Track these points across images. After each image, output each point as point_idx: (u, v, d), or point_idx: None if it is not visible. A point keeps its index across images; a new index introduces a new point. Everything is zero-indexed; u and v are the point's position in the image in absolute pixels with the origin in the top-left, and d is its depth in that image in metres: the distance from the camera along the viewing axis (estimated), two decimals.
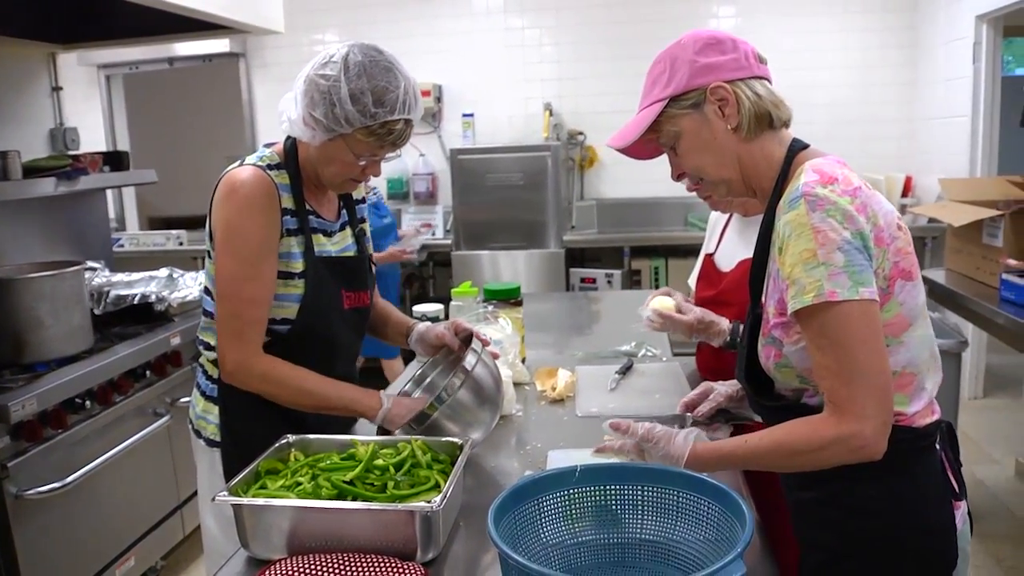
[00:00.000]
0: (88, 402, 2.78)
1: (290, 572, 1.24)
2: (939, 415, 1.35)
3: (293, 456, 1.54)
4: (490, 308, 2.33)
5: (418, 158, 5.72)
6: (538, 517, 1.22)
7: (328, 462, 1.46)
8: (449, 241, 5.29)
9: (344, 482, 1.37)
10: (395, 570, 1.24)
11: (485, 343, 1.83)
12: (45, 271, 2.89)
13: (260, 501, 1.33)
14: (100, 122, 5.94)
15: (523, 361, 2.37)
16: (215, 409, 1.84)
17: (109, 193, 4.01)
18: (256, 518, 1.34)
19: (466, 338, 1.88)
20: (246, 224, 1.69)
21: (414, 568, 1.25)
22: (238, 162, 1.76)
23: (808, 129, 1.80)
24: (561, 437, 1.86)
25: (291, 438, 1.58)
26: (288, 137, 1.78)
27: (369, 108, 1.61)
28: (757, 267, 1.44)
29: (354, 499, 1.34)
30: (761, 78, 1.40)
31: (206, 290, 1.84)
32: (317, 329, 1.80)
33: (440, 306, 2.41)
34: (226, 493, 1.34)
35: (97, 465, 2.75)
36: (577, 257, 5.25)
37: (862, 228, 1.21)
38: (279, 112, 1.72)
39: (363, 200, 2.03)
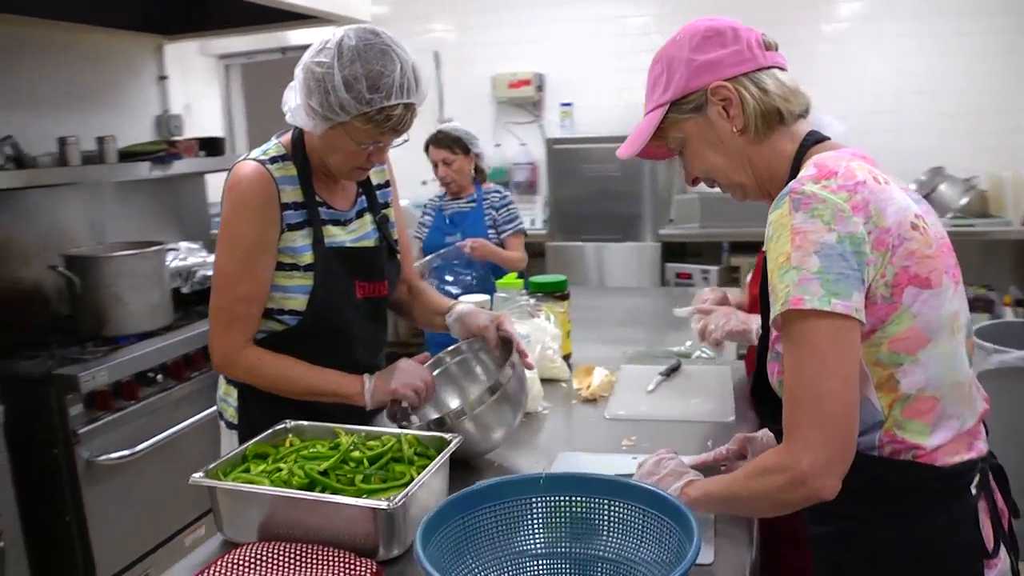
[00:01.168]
0: (160, 376, 2.90)
1: (243, 559, 1.23)
2: (980, 453, 1.18)
3: (288, 441, 1.53)
4: (533, 301, 2.27)
5: (519, 147, 5.68)
6: (494, 524, 1.16)
7: (312, 450, 1.44)
8: (545, 231, 5.23)
9: (319, 472, 1.35)
10: (347, 565, 1.21)
11: (523, 356, 1.75)
12: (131, 250, 3.03)
13: (227, 485, 1.32)
14: (218, 109, 6.20)
15: (567, 357, 2.29)
16: (235, 392, 1.86)
17: (212, 177, 4.16)
18: (226, 502, 1.34)
19: (505, 340, 1.80)
20: (240, 223, 1.69)
21: (367, 564, 1.22)
22: (243, 156, 1.75)
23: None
24: (581, 438, 1.79)
25: (289, 423, 1.57)
26: (294, 128, 1.76)
27: (364, 94, 1.56)
28: (767, 274, 1.32)
29: (323, 490, 1.32)
30: (771, 68, 1.28)
31: None
32: (329, 320, 1.78)
33: (485, 297, 2.36)
34: (203, 474, 1.35)
35: (167, 436, 2.85)
36: (676, 251, 5.08)
37: (854, 231, 1.07)
38: (283, 102, 1.68)
39: (386, 184, 1.98)
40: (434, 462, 1.36)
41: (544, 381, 2.13)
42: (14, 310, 3.19)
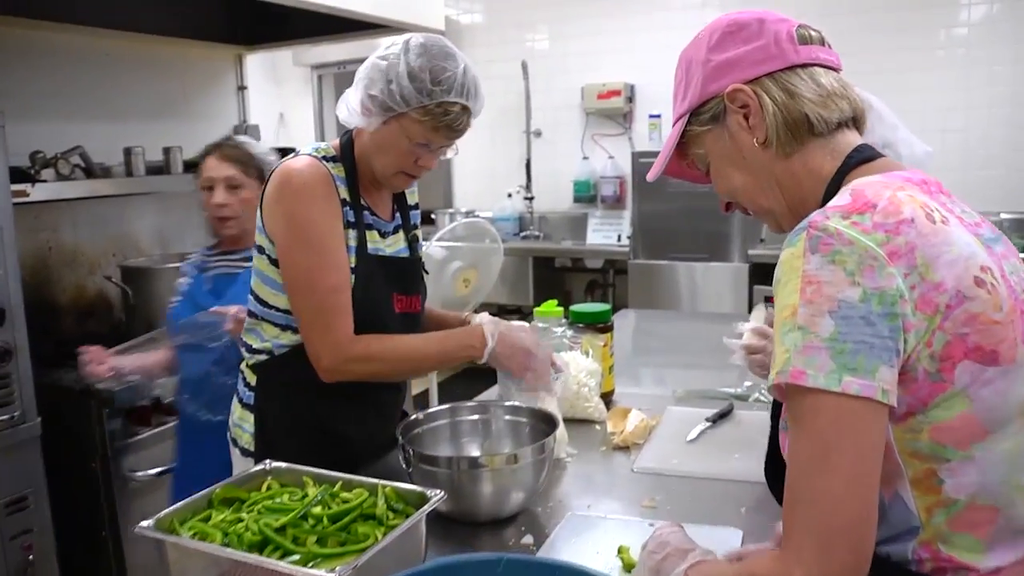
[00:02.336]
0: None
1: None
2: None
3: (265, 485, 1.41)
4: (571, 333, 2.08)
5: (606, 160, 5.48)
6: None
7: (279, 500, 1.30)
8: (629, 248, 5.01)
9: (275, 529, 1.21)
10: None
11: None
12: (181, 263, 3.00)
13: (168, 538, 1.20)
14: (311, 119, 6.26)
15: (608, 395, 2.10)
16: (251, 418, 1.78)
17: None
18: (173, 555, 1.22)
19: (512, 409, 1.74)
20: (311, 212, 1.63)
21: None
22: (292, 154, 1.71)
23: None
24: (602, 494, 1.59)
25: (268, 465, 1.44)
26: (344, 133, 1.73)
27: (427, 86, 1.57)
28: None
29: (275, 550, 1.18)
30: (808, 66, 1.06)
31: (251, 291, 1.77)
32: (365, 330, 1.68)
33: (524, 324, 2.19)
34: (151, 522, 1.23)
35: None
36: (766, 273, 4.77)
37: (886, 285, 0.84)
38: (337, 108, 1.68)
39: (416, 207, 1.89)
40: (401, 525, 1.20)
41: (576, 422, 1.95)
42: (78, 319, 3.23)
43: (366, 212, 1.73)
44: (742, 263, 4.63)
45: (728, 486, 1.57)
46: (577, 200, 5.59)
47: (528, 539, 1.40)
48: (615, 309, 4.43)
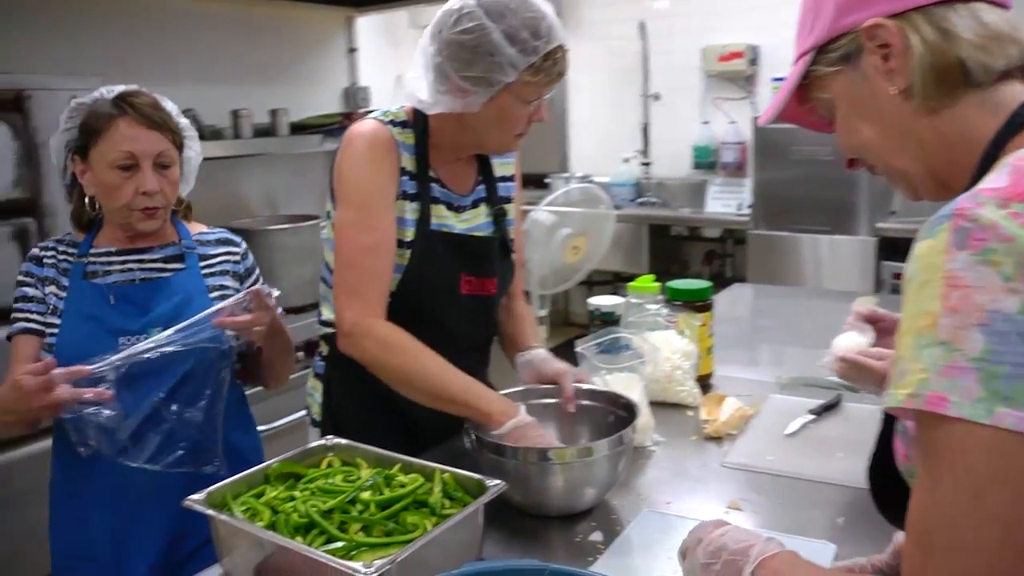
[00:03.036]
0: (302, 353, 2.86)
1: None
2: None
3: (326, 462, 1.35)
4: (666, 311, 1.95)
5: (728, 125, 5.21)
6: None
7: (331, 481, 1.24)
8: (748, 218, 4.75)
9: (322, 513, 1.15)
10: None
11: (567, 400, 1.58)
12: (283, 224, 3.02)
13: (215, 513, 1.15)
14: None
15: (706, 378, 1.96)
16: (320, 387, 1.74)
17: None
18: (221, 530, 1.18)
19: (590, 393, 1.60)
20: (362, 172, 1.57)
21: None
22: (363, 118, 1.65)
23: None
24: (685, 489, 1.47)
25: (329, 441, 1.39)
26: None
27: (530, 43, 1.45)
28: None
29: (320, 534, 1.12)
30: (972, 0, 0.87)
31: (323, 261, 1.73)
32: (422, 309, 1.62)
33: (620, 300, 2.07)
34: (202, 496, 1.19)
35: (300, 416, 2.81)
36: (896, 248, 4.43)
37: None
38: (408, 94, 1.56)
39: (510, 178, 1.78)
40: (451, 518, 1.12)
41: (667, 407, 1.82)
42: None
43: (434, 184, 1.64)
44: (869, 237, 4.31)
45: (825, 490, 1.42)
46: (696, 166, 5.36)
47: (597, 536, 1.29)
48: (733, 281, 4.25)
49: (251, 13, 3.55)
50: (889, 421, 0.95)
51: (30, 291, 1.56)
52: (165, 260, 1.63)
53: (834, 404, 1.78)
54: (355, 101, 4.11)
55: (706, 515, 1.33)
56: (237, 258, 1.74)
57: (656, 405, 1.77)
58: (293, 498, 1.21)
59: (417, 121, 1.61)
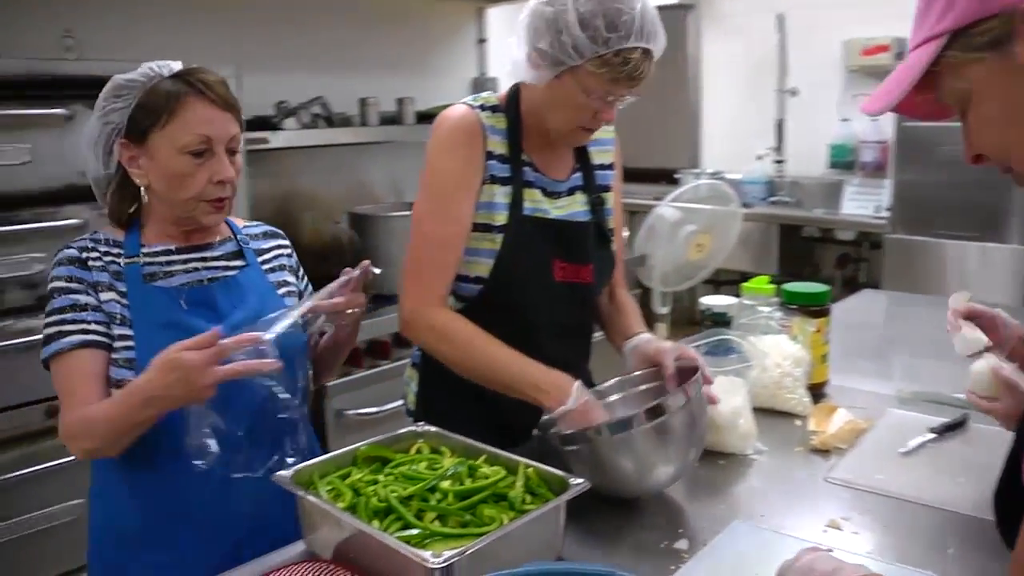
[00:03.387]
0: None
1: None
2: None
3: (416, 448, 1.36)
4: (779, 315, 1.86)
5: (869, 123, 4.94)
6: None
7: (414, 467, 1.25)
8: (886, 221, 4.50)
9: (401, 499, 1.15)
10: None
11: (707, 381, 1.47)
12: (401, 211, 3.07)
13: (297, 491, 1.18)
14: None
15: (819, 387, 1.86)
16: (416, 376, 1.75)
17: None
18: (305, 509, 1.20)
19: (688, 370, 1.50)
20: (442, 160, 1.57)
21: None
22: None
23: None
24: (784, 502, 1.39)
25: (419, 427, 1.40)
26: (513, 85, 1.62)
27: (601, 33, 1.40)
28: None
29: (397, 520, 1.12)
30: None
31: None
32: (513, 295, 1.60)
33: (732, 300, 1.99)
34: (290, 473, 1.22)
35: (398, 406, 2.86)
36: None
37: None
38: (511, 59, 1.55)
39: (609, 166, 1.74)
40: (526, 515, 1.10)
41: (773, 415, 1.74)
42: (315, 262, 3.41)
43: (528, 168, 1.61)
44: (1021, 245, 3.99)
45: (938, 516, 1.31)
46: (833, 165, 5.11)
47: (682, 544, 1.24)
48: (866, 287, 4.03)
49: (382, 3, 3.63)
50: (1021, 445, 0.87)
51: (82, 298, 1.34)
52: (227, 257, 1.49)
53: (959, 423, 1.65)
54: (482, 91, 4.13)
55: (802, 532, 1.27)
56: (288, 251, 1.62)
57: (762, 412, 1.70)
58: (376, 482, 1.22)
59: (510, 105, 1.60)
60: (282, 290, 1.53)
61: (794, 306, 1.86)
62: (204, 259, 1.46)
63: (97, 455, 1.35)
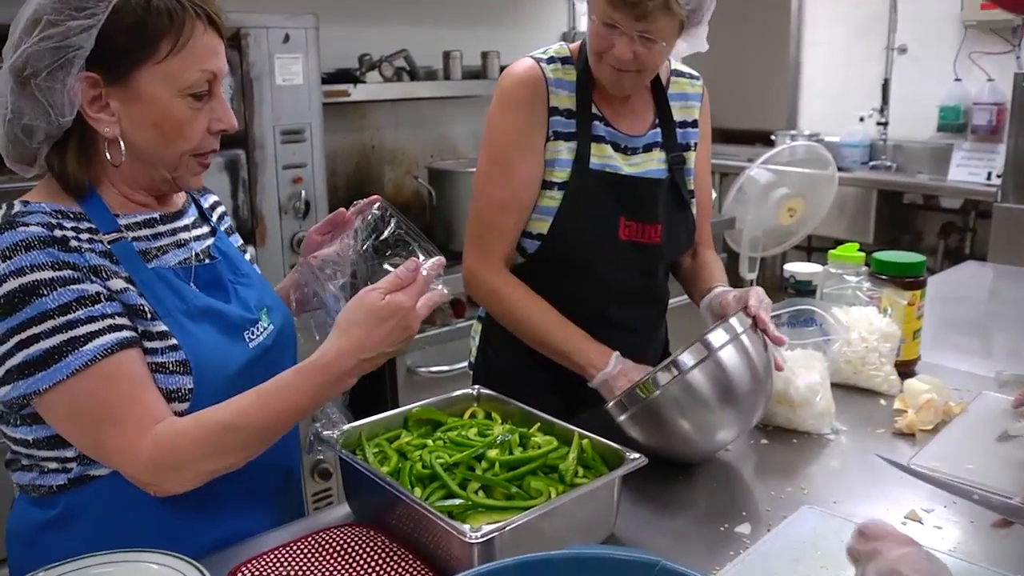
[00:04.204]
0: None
1: (323, 544, 1.06)
2: None
3: (470, 411, 1.32)
4: (867, 285, 1.73)
5: (984, 83, 4.61)
6: None
7: (462, 433, 1.20)
8: (996, 189, 4.21)
9: (446, 467, 1.11)
10: None
11: (759, 323, 1.35)
12: None
13: (339, 452, 1.15)
14: None
15: (909, 364, 1.73)
16: (479, 329, 1.77)
17: None
18: (346, 471, 1.18)
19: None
20: (500, 120, 1.55)
21: None
22: None
23: None
24: (861, 488, 1.29)
25: (475, 390, 1.35)
26: None
27: None
28: None
29: (441, 487, 1.08)
30: None
31: None
32: (574, 252, 1.55)
33: (817, 268, 1.87)
34: (337, 433, 1.19)
35: (462, 367, 2.83)
36: None
37: None
38: None
39: (693, 124, 1.64)
40: (574, 490, 1.05)
41: (856, 392, 1.63)
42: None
43: (599, 123, 1.54)
44: None
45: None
46: (941, 129, 4.80)
47: (744, 529, 1.17)
48: (972, 259, 3.79)
49: None
50: None
51: (89, 287, 1.02)
52: (196, 224, 1.23)
53: None
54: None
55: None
56: (224, 208, 1.37)
57: (843, 389, 1.60)
58: (425, 446, 1.18)
59: (581, 56, 1.54)
60: (246, 256, 1.33)
61: (885, 276, 1.73)
62: (186, 228, 1.20)
63: (192, 485, 1.04)
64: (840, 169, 3.77)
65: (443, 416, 1.29)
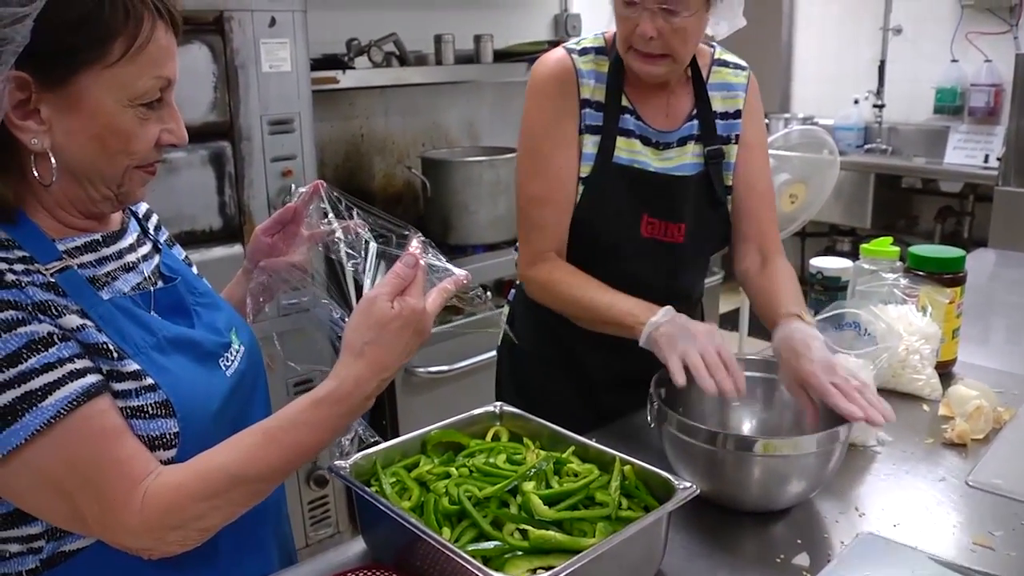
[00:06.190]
0: (491, 293, 2.75)
1: None
2: None
3: (492, 433, 1.20)
4: (905, 282, 1.63)
5: (981, 64, 4.53)
6: None
7: (492, 460, 1.08)
8: (997, 172, 4.13)
9: (476, 502, 0.99)
10: None
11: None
12: (479, 157, 2.90)
13: (357, 488, 1.03)
14: None
15: (947, 366, 1.63)
16: (506, 312, 1.76)
17: None
18: (360, 504, 1.06)
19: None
20: (533, 113, 1.50)
21: None
22: None
23: None
24: (920, 507, 1.19)
25: (497, 408, 1.24)
26: None
27: None
28: None
29: (472, 526, 0.97)
30: None
31: None
32: (595, 249, 1.49)
33: (847, 263, 1.76)
34: (348, 464, 1.07)
35: (487, 358, 2.71)
36: None
37: None
38: None
39: (735, 115, 1.53)
40: (629, 527, 0.93)
41: (896, 397, 1.53)
42: (386, 207, 3.26)
43: (628, 116, 1.47)
44: None
45: None
46: (938, 111, 4.72)
47: (803, 560, 1.06)
48: (970, 244, 3.71)
49: None
50: None
51: (39, 328, 0.83)
52: (139, 242, 1.05)
53: None
54: (564, 29, 3.88)
55: (945, 549, 1.08)
56: (158, 217, 1.17)
57: (885, 394, 1.48)
58: (448, 475, 1.06)
59: (614, 47, 1.46)
60: (194, 269, 1.15)
61: (922, 273, 1.63)
62: (131, 248, 1.02)
63: (197, 542, 0.89)
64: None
65: (465, 438, 1.17)
